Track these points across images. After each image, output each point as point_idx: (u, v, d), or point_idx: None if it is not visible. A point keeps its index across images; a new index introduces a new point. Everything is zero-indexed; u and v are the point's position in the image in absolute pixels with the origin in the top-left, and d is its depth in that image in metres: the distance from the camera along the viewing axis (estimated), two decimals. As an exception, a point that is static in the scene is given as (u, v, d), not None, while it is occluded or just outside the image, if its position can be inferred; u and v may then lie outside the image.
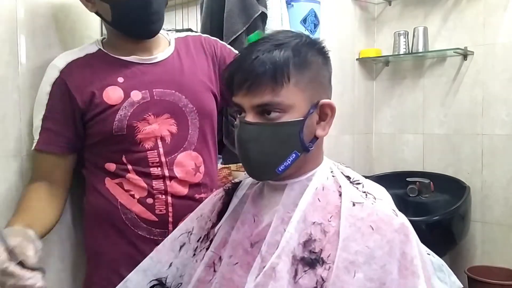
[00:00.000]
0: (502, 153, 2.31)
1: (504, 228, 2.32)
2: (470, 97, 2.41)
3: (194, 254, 0.92)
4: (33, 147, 1.11)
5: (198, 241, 0.93)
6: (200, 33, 1.33)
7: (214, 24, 1.64)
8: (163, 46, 1.19)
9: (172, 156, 1.11)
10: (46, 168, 1.12)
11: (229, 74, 0.80)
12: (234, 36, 1.59)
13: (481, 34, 2.35)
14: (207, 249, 0.88)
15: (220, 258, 0.85)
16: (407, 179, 2.43)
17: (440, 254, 1.03)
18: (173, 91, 1.13)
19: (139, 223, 1.10)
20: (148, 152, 1.09)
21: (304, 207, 0.80)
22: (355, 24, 2.59)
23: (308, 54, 0.79)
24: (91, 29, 1.36)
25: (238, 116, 0.82)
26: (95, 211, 1.15)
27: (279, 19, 1.80)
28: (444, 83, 2.49)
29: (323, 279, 0.73)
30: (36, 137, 1.10)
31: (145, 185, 1.10)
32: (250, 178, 0.91)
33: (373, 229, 0.75)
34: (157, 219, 1.10)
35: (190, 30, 1.60)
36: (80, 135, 1.12)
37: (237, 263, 0.82)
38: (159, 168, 1.10)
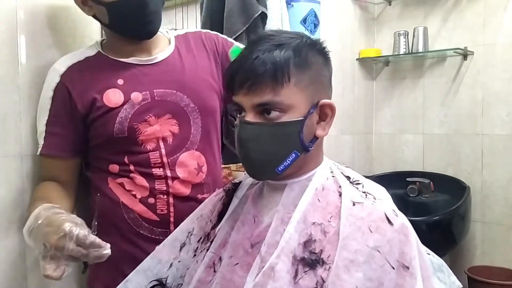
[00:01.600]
0: (502, 153, 2.31)
1: (504, 228, 2.32)
2: (470, 97, 2.41)
3: (195, 255, 0.92)
4: (38, 152, 1.12)
5: (198, 241, 0.93)
6: (200, 29, 1.32)
7: (214, 24, 1.64)
8: (163, 45, 1.18)
9: (174, 157, 1.11)
10: (52, 171, 1.13)
11: (229, 73, 0.81)
12: (234, 36, 1.59)
13: (481, 34, 2.35)
14: (208, 249, 0.88)
15: (220, 259, 0.85)
16: (407, 179, 2.43)
17: (440, 254, 1.03)
18: (174, 91, 1.12)
19: (141, 222, 1.10)
20: (150, 153, 1.09)
21: (304, 208, 0.80)
22: (355, 24, 2.59)
23: (308, 54, 0.79)
24: (92, 29, 1.36)
25: (238, 115, 0.82)
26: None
27: (279, 19, 1.80)
28: (444, 83, 2.49)
29: (323, 280, 0.73)
30: (41, 142, 1.12)
31: (147, 185, 1.10)
32: (250, 178, 0.91)
33: (373, 228, 0.75)
34: (158, 219, 1.10)
35: None
36: (84, 138, 1.12)
37: (237, 263, 0.82)
38: (161, 169, 1.10)
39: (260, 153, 0.79)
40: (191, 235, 0.95)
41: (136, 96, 1.09)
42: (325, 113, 0.82)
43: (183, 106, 1.13)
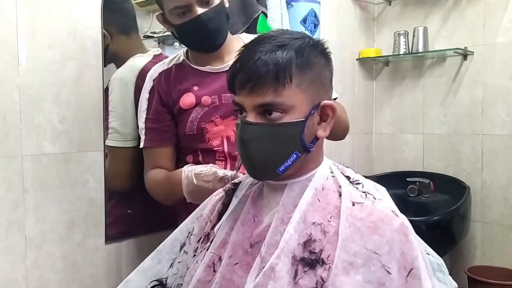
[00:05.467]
0: (502, 153, 2.31)
1: (504, 228, 2.32)
2: (470, 97, 2.41)
3: (195, 255, 0.92)
4: (141, 145, 1.33)
5: (198, 241, 0.93)
6: None
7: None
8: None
9: (235, 153, 1.23)
10: (155, 160, 1.32)
11: (231, 73, 0.80)
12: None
13: (481, 34, 2.35)
14: (207, 249, 0.88)
15: (220, 259, 0.85)
16: (407, 179, 2.43)
17: (440, 254, 1.03)
18: None
19: None
20: (215, 148, 1.26)
21: (304, 208, 0.80)
22: (355, 24, 2.59)
23: (310, 55, 0.79)
24: (91, 29, 1.36)
25: (240, 116, 0.82)
26: None
27: (279, 19, 1.80)
28: (444, 83, 2.49)
29: (323, 280, 0.73)
30: (143, 136, 1.33)
31: None
32: (250, 178, 0.91)
33: (372, 229, 0.75)
34: None
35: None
36: (175, 130, 1.32)
37: (237, 263, 0.82)
38: (223, 162, 1.26)
39: (261, 153, 0.79)
40: (191, 235, 0.95)
41: (206, 99, 1.27)
42: (326, 114, 0.82)
43: None
